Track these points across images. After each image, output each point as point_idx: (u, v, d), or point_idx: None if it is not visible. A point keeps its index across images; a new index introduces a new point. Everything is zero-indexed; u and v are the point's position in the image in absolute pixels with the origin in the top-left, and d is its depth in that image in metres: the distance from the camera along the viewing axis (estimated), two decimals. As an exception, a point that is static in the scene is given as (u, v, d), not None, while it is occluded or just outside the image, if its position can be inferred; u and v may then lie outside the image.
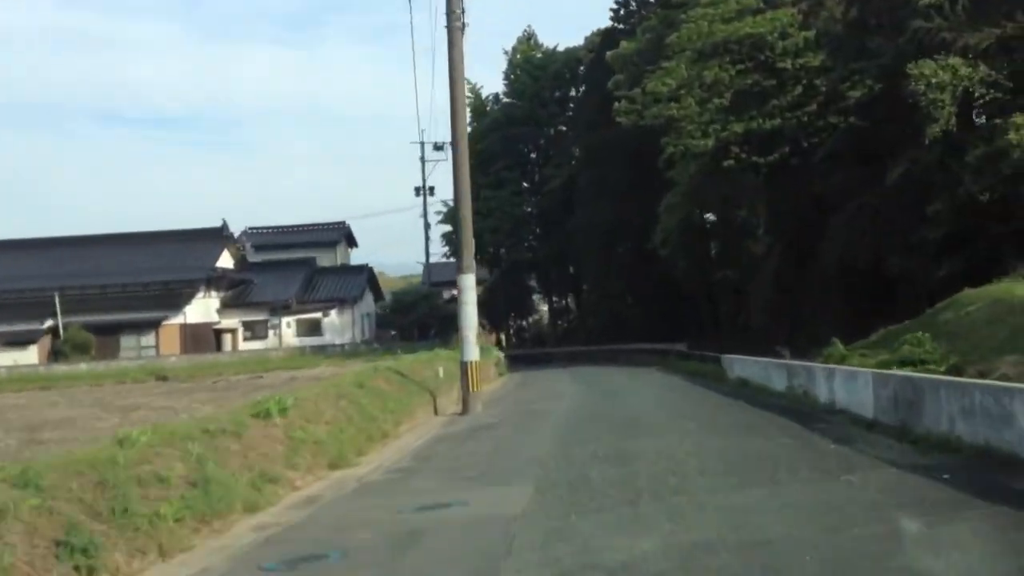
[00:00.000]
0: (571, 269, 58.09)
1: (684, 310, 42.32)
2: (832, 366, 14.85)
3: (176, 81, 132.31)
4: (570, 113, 55.11)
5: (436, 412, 17.84)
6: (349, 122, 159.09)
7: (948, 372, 14.15)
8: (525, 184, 57.46)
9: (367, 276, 50.46)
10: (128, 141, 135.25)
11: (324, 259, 51.30)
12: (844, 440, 10.96)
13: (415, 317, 47.50)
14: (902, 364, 15.49)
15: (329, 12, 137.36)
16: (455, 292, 78.15)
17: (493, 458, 11.38)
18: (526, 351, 55.03)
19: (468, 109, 56.59)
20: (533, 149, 57.37)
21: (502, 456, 11.51)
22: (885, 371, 12.06)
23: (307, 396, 11.92)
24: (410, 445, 13.02)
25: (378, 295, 53.36)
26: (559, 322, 63.50)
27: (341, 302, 46.35)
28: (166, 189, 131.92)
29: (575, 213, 48.71)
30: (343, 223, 55.21)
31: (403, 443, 13.28)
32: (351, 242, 56.83)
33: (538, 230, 57.55)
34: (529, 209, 57.21)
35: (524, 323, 67.85)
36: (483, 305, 65.03)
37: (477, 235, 55.21)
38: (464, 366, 18.11)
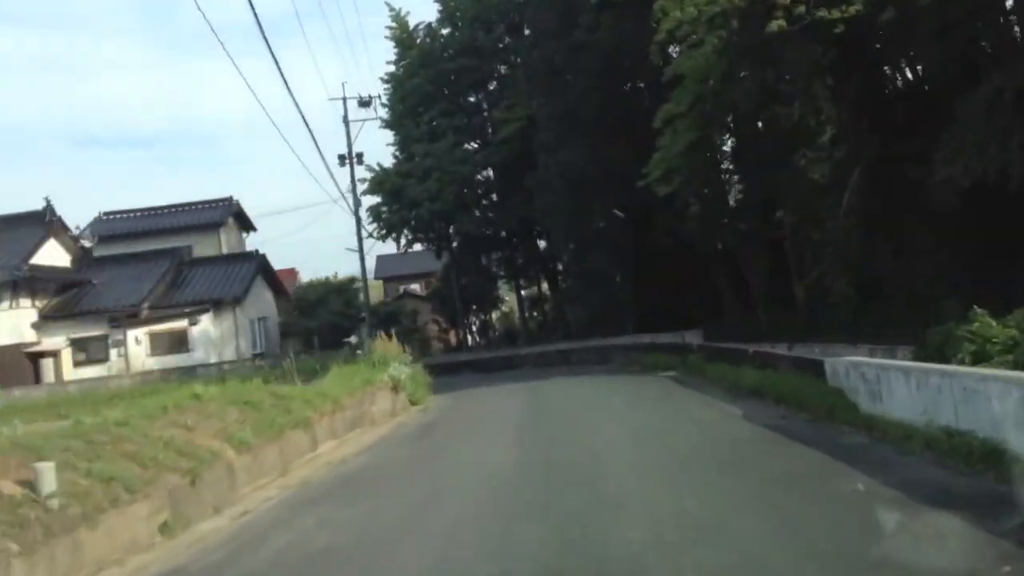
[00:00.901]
0: (541, 244, 45.56)
1: (695, 282, 29.86)
2: None
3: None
4: (525, 43, 42.15)
5: None
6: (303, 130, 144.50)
7: None
8: (477, 143, 44.64)
9: (258, 266, 36.49)
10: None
11: (205, 247, 37.83)
12: None
13: (325, 318, 34.50)
14: None
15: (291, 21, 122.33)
16: (412, 287, 64.50)
17: None
18: (491, 354, 42.85)
19: (391, 43, 44.28)
20: (480, 90, 44.42)
21: None
22: None
23: None
24: None
25: (281, 293, 40.07)
26: (533, 314, 51.12)
27: (216, 303, 32.94)
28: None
29: (537, 165, 36.19)
30: (229, 199, 40.74)
31: None
32: (245, 225, 42.73)
33: (494, 196, 44.74)
34: (480, 173, 44.41)
35: (489, 318, 55.55)
36: (434, 298, 53.54)
37: (411, 205, 43.33)
38: None
